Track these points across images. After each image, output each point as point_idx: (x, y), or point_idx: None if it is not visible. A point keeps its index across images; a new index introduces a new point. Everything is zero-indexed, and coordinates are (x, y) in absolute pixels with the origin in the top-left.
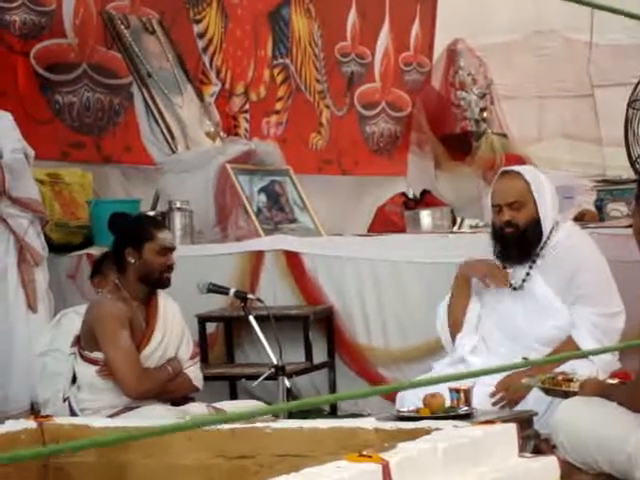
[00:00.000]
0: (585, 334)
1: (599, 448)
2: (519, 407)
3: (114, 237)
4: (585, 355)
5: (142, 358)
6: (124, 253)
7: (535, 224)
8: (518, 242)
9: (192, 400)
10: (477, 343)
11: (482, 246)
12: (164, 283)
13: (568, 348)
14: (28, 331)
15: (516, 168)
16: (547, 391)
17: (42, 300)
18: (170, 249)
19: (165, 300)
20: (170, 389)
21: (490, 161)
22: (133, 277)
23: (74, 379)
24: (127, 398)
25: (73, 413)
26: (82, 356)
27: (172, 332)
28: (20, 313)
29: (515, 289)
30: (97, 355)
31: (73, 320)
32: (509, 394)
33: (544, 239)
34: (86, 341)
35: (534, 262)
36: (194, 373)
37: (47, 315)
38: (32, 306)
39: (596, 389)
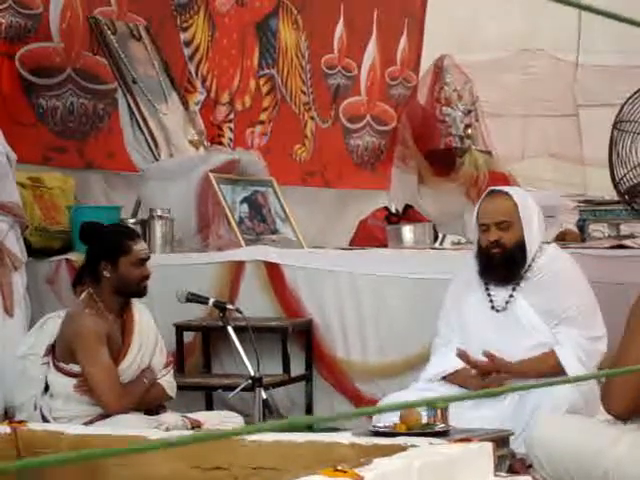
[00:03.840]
0: (569, 353)
1: (575, 463)
2: (496, 426)
3: (87, 248)
4: (568, 382)
5: (119, 371)
6: (99, 266)
7: (521, 246)
8: (504, 263)
9: (165, 409)
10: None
11: (463, 264)
12: (141, 293)
13: (547, 360)
14: (3, 336)
15: (505, 188)
16: None
17: (19, 304)
18: (146, 259)
19: (140, 310)
20: (145, 400)
21: (473, 178)
22: (108, 289)
23: (46, 388)
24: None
25: (45, 421)
26: (56, 366)
27: (148, 343)
28: None
29: (498, 311)
30: (72, 367)
31: (57, 325)
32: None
33: (528, 262)
34: (62, 353)
35: (518, 284)
36: (168, 382)
37: (23, 320)
38: (9, 310)
39: None
